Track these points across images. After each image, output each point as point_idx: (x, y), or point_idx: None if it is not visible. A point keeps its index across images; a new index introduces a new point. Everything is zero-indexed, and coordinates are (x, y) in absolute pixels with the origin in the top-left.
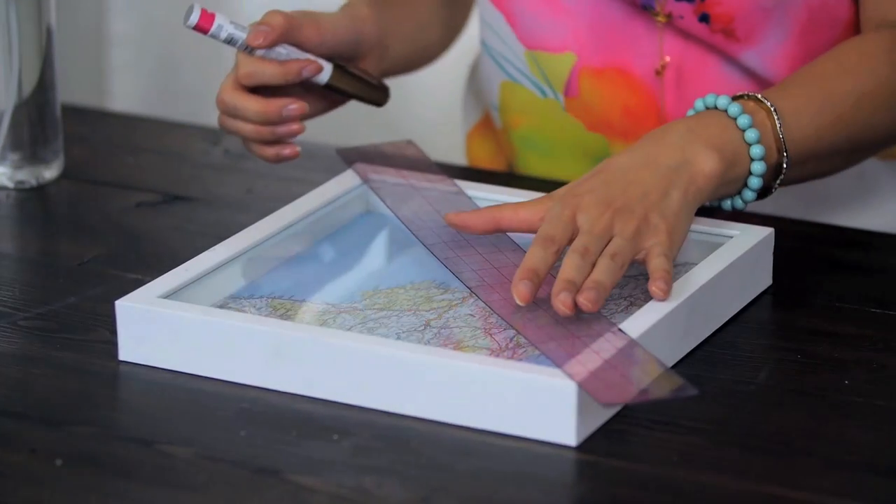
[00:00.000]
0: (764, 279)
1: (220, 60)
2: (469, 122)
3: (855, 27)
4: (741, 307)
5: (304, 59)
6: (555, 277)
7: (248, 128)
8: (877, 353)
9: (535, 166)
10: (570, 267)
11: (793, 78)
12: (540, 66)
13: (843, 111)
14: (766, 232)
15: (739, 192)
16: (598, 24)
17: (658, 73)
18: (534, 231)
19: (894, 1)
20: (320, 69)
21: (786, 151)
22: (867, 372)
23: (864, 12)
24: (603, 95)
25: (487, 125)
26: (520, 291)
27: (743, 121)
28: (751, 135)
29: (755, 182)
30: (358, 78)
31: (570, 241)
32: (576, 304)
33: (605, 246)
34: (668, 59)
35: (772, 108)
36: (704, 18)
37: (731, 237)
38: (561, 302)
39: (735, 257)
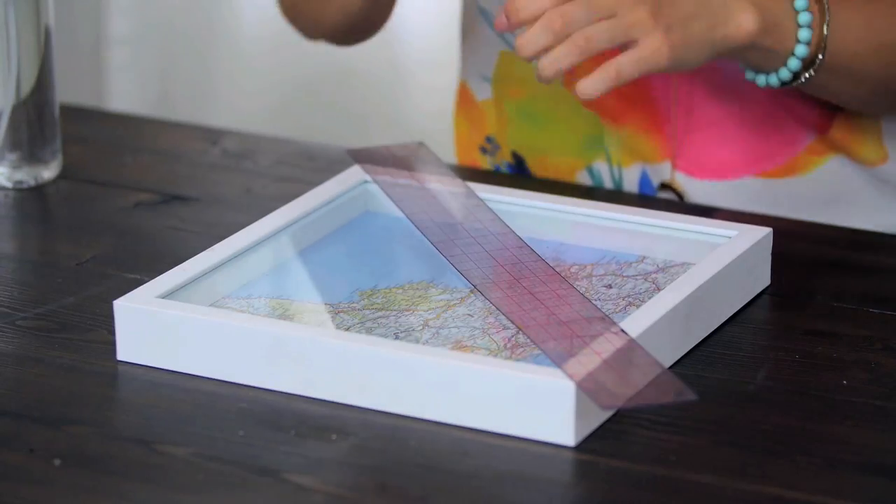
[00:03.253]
0: (762, 279)
1: (219, 61)
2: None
3: None
4: (740, 307)
5: None
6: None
7: None
8: (876, 354)
9: (527, 138)
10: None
11: None
12: None
13: (886, 41)
14: (765, 232)
15: (776, 71)
16: None
17: None
18: None
19: None
20: None
21: (824, 48)
22: (866, 372)
23: None
24: None
25: (464, 97)
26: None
27: (799, 2)
28: (800, 2)
29: (802, 50)
30: None
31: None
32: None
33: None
34: None
35: (825, 4)
36: None
37: (730, 237)
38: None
39: (733, 257)
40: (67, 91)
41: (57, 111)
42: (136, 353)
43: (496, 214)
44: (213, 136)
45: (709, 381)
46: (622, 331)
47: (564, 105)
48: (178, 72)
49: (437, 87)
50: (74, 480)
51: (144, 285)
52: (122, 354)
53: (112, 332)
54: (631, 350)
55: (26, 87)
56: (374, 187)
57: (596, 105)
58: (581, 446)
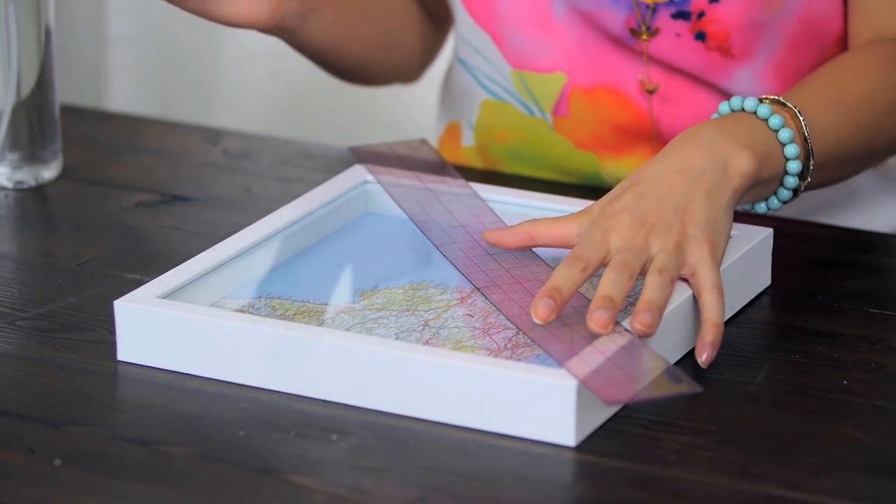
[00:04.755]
0: (763, 279)
1: (219, 61)
2: (439, 130)
3: (843, 42)
4: (740, 307)
5: None
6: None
7: None
8: (876, 354)
9: (525, 173)
10: (607, 282)
11: (805, 83)
12: (528, 85)
13: (859, 116)
14: (766, 232)
15: (775, 193)
16: (587, 42)
17: (650, 91)
18: (570, 247)
19: (887, 17)
20: None
21: (811, 153)
22: (866, 372)
23: (853, 28)
24: (594, 114)
25: (452, 137)
26: (538, 309)
27: (775, 121)
28: (785, 134)
29: (791, 181)
30: None
31: (603, 263)
32: (613, 324)
33: (644, 262)
34: (656, 84)
35: (796, 111)
36: (701, 36)
37: (731, 237)
38: (595, 321)
39: (734, 257)
40: (67, 91)
41: (57, 111)
42: (136, 353)
43: (497, 216)
44: (213, 136)
45: (709, 381)
46: (626, 329)
47: (556, 148)
48: (178, 72)
49: (438, 87)
50: (74, 480)
51: (144, 285)
52: (122, 354)
53: (112, 332)
54: (634, 347)
55: (27, 88)
56: (374, 188)
57: (593, 143)
58: (581, 446)
